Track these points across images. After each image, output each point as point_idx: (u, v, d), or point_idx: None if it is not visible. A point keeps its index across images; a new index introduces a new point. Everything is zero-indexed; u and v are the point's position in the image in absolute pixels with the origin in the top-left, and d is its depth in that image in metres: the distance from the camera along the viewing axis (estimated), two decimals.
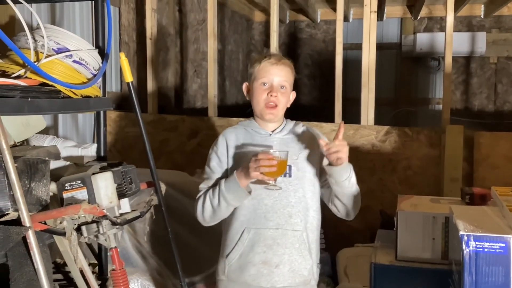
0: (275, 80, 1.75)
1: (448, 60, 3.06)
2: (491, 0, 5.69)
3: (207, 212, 1.74)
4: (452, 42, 3.03)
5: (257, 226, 1.72)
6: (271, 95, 1.73)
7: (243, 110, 6.34)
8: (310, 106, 6.50)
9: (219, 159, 1.79)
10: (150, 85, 3.61)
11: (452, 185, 2.92)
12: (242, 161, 1.71)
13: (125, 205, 1.93)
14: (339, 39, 3.23)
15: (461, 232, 1.07)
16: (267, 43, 6.58)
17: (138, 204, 2.43)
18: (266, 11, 6.01)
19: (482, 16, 6.09)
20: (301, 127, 1.86)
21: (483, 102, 6.32)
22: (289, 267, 1.72)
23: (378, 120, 3.29)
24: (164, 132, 3.54)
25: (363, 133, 3.18)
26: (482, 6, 6.03)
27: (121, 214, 1.90)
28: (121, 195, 1.86)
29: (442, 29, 6.25)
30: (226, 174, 1.76)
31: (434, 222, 1.66)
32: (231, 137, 1.80)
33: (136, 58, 3.91)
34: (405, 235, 1.69)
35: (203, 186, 1.80)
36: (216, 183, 1.74)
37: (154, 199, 2.06)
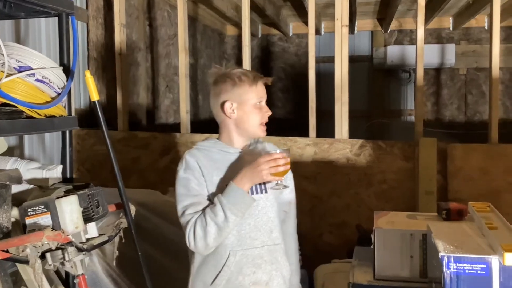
0: (264, 97, 1.75)
1: (420, 73, 3.07)
2: (459, 13, 5.80)
3: (211, 235, 1.57)
4: (423, 55, 3.05)
5: (243, 248, 1.66)
6: (266, 113, 1.74)
7: (217, 124, 6.29)
8: (284, 120, 6.49)
9: (198, 181, 1.67)
10: (120, 101, 3.52)
11: (427, 198, 2.92)
12: (223, 182, 1.65)
13: (92, 229, 1.85)
14: (311, 53, 3.21)
15: (441, 254, 1.03)
16: (239, 57, 6.56)
17: (108, 225, 2.34)
18: (238, 25, 6.00)
19: (451, 29, 6.21)
20: (261, 142, 1.83)
21: (454, 113, 6.41)
22: (277, 281, 1.69)
23: (352, 133, 3.27)
24: (136, 149, 3.45)
25: (337, 147, 3.16)
26: (450, 18, 6.15)
27: (88, 239, 1.81)
28: (87, 219, 1.77)
29: (412, 41, 6.35)
30: (208, 197, 1.66)
31: (412, 239, 1.62)
32: (201, 159, 1.70)
33: (105, 74, 3.82)
34: (383, 253, 1.65)
35: (191, 211, 1.62)
36: (204, 204, 1.63)
37: (124, 221, 1.98)
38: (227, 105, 1.69)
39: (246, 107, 1.70)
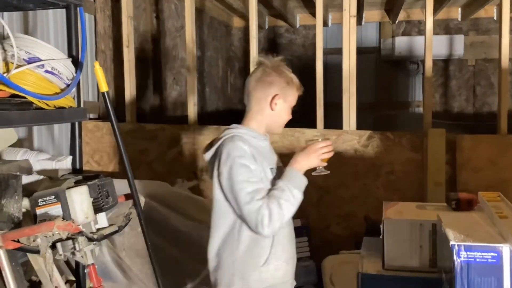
0: None
1: (429, 64, 3.05)
2: (467, 3, 5.75)
3: (285, 217, 1.69)
4: (432, 46, 3.03)
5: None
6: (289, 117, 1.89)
7: (224, 116, 6.29)
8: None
9: (255, 166, 1.70)
10: (128, 93, 3.53)
11: (436, 189, 2.91)
12: (265, 165, 1.75)
13: (102, 219, 1.86)
14: (319, 44, 3.20)
15: (451, 242, 1.03)
16: (246, 49, 6.54)
17: (117, 216, 2.35)
18: (245, 17, 5.98)
19: (460, 19, 6.15)
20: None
21: (462, 104, 6.37)
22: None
23: (359, 125, 3.26)
24: (144, 141, 3.46)
25: (345, 138, 3.15)
26: (459, 9, 6.09)
27: (98, 229, 1.83)
28: (97, 209, 1.79)
29: (420, 32, 6.30)
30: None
31: (421, 229, 1.62)
32: (249, 146, 1.73)
33: (113, 66, 3.83)
34: (392, 243, 1.65)
35: (259, 197, 1.65)
36: (266, 189, 1.70)
37: (133, 212, 1.99)
38: (277, 99, 1.78)
39: (286, 106, 1.82)
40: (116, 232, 1.88)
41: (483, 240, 1.03)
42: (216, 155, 1.73)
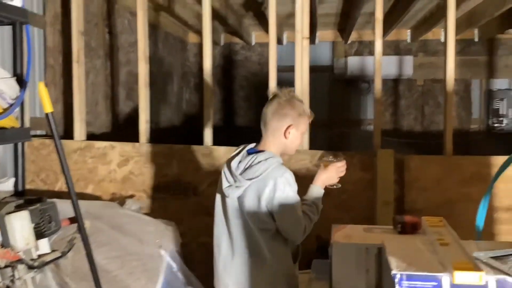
0: None
1: (378, 86, 3.13)
2: (417, 25, 5.97)
3: (312, 226, 2.13)
4: (381, 68, 3.11)
5: None
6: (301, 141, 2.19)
7: (179, 132, 6.24)
8: (245, 128, 6.50)
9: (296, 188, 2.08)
10: (77, 110, 3.44)
11: (384, 208, 2.97)
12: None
13: (44, 245, 1.79)
14: (272, 63, 3.23)
15: (393, 271, 1.05)
16: (202, 65, 6.53)
17: (62, 239, 2.27)
18: (200, 33, 5.97)
19: (409, 41, 6.38)
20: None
21: (411, 122, 6.58)
22: None
23: (313, 142, 3.30)
24: (93, 159, 3.37)
25: (298, 157, 3.18)
26: (408, 31, 6.32)
27: (39, 256, 1.75)
28: (39, 235, 1.72)
29: (372, 52, 6.48)
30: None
31: (367, 253, 1.64)
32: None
33: (63, 81, 3.73)
34: (340, 266, 1.66)
35: (300, 213, 2.06)
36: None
37: (77, 237, 1.92)
38: (290, 128, 2.05)
39: (298, 134, 2.09)
40: (59, 258, 1.81)
41: (424, 269, 1.06)
42: (265, 182, 1.96)
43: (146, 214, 3.05)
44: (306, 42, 3.15)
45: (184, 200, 3.27)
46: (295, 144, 2.11)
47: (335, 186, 2.28)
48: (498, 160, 2.95)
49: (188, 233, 3.22)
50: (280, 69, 5.03)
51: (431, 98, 6.49)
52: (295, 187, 2.05)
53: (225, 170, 2.08)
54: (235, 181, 2.00)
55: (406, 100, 6.56)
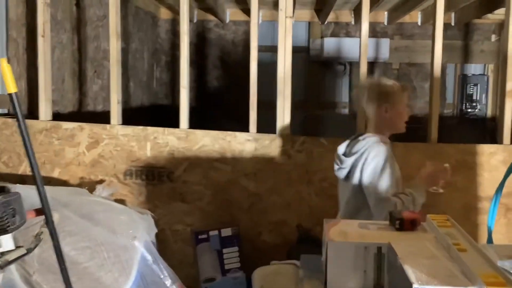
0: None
1: (363, 69, 3.01)
2: (394, 8, 5.87)
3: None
4: (367, 50, 2.99)
5: None
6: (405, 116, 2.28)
7: (149, 112, 6.01)
8: (219, 109, 6.31)
9: (394, 169, 2.13)
10: (42, 88, 3.20)
11: None
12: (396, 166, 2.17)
13: (8, 242, 1.60)
14: (253, 44, 3.06)
15: (415, 286, 0.93)
16: (174, 42, 6.28)
17: (28, 228, 2.08)
18: (173, 9, 5.72)
19: (386, 23, 6.28)
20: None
21: None
22: None
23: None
24: (60, 141, 3.15)
25: (279, 143, 3.04)
26: (386, 13, 6.22)
27: (2, 253, 1.57)
28: (2, 231, 1.53)
29: (348, 34, 6.37)
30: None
31: (366, 253, 1.52)
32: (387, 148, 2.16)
33: (26, 56, 3.46)
34: (335, 267, 1.53)
35: (392, 194, 2.07)
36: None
37: (45, 231, 1.74)
38: (389, 108, 2.17)
39: (397, 111, 2.19)
40: (24, 255, 1.63)
41: (448, 283, 0.94)
42: (361, 157, 2.11)
43: (117, 201, 2.87)
44: (290, 22, 2.99)
45: (158, 186, 3.10)
46: (400, 120, 2.23)
47: (438, 191, 2.24)
48: (484, 148, 2.89)
49: (163, 220, 3.06)
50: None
51: (406, 82, 6.44)
52: (389, 163, 2.09)
53: (335, 155, 2.32)
54: (341, 162, 2.23)
55: None
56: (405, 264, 1.04)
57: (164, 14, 6.43)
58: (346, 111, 6.41)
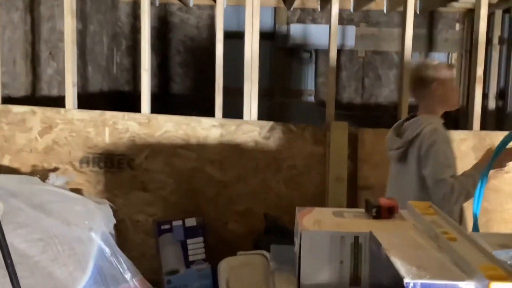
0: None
1: (333, 54, 2.92)
2: None
3: (465, 199, 2.02)
4: (337, 35, 2.90)
5: None
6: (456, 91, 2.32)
7: (109, 98, 5.76)
8: (182, 96, 6.13)
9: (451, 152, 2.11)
10: None
11: (337, 185, 2.80)
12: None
13: None
14: (219, 25, 2.91)
15: (406, 280, 0.83)
16: (135, 26, 6.04)
17: None
18: None
19: (352, 10, 6.22)
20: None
21: (352, 94, 6.49)
22: None
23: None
24: (10, 126, 2.93)
25: (245, 129, 2.92)
26: (352, 0, 6.16)
27: None
28: None
29: (314, 21, 6.28)
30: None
31: (342, 242, 1.42)
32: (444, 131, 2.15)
33: None
34: (309, 258, 1.42)
35: (451, 177, 2.02)
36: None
37: None
38: (437, 85, 2.15)
39: (446, 87, 2.18)
40: None
41: (441, 275, 0.85)
42: (417, 138, 2.09)
43: (73, 190, 2.69)
44: (257, 3, 2.85)
45: (117, 174, 2.92)
46: (452, 96, 2.23)
47: (502, 171, 2.20)
48: (454, 135, 2.85)
49: (123, 210, 2.90)
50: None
51: (371, 70, 6.42)
52: (446, 143, 2.08)
53: (388, 136, 2.30)
54: (394, 144, 2.21)
55: (347, 71, 6.45)
56: (392, 256, 0.94)
57: None
58: (312, 98, 6.34)
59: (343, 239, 1.43)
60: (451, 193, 1.99)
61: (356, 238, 1.42)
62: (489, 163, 1.23)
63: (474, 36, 2.92)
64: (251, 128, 2.93)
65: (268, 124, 2.93)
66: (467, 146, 2.84)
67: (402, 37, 2.92)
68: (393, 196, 2.23)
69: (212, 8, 5.80)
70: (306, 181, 2.92)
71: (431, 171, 2.04)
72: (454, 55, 6.36)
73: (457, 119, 6.21)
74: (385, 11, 6.17)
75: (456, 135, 2.85)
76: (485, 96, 5.48)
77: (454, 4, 5.58)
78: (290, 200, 2.88)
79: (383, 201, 1.60)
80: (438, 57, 6.44)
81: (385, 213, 1.56)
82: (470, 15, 5.89)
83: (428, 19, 6.25)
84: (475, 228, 1.25)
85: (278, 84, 6.33)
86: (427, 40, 6.33)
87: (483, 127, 2.94)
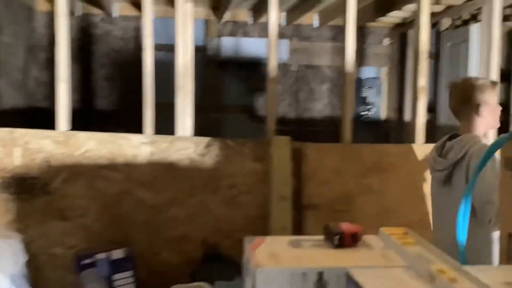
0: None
1: (273, 65, 2.73)
2: (291, 9, 5.74)
3: None
4: (277, 45, 2.72)
5: None
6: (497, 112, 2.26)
7: (25, 116, 5.25)
8: (108, 112, 5.73)
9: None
10: None
11: (281, 204, 2.58)
12: None
13: None
14: (147, 31, 2.63)
15: None
16: (53, 37, 5.59)
17: None
18: (52, 0, 5.06)
19: (284, 24, 6.14)
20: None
21: (286, 109, 6.38)
22: None
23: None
24: None
25: (179, 146, 2.64)
26: (284, 13, 6.07)
27: None
28: None
29: (246, 34, 6.13)
30: None
31: (304, 279, 1.18)
32: None
33: None
34: None
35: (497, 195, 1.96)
36: None
37: None
38: (480, 107, 2.14)
39: (489, 108, 2.17)
40: None
41: None
42: (464, 158, 2.04)
43: None
44: (190, 6, 2.61)
45: (30, 201, 2.53)
46: (493, 117, 2.21)
47: None
48: (399, 148, 2.74)
49: (37, 243, 2.51)
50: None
51: (305, 85, 6.36)
52: (494, 163, 1.91)
53: (431, 156, 2.26)
54: (438, 164, 2.16)
55: (281, 85, 6.34)
56: None
57: (42, 6, 5.70)
58: (246, 114, 6.16)
59: (305, 276, 1.20)
60: (498, 216, 1.91)
61: (320, 274, 1.20)
62: (471, 180, 1.05)
63: (415, 46, 2.84)
64: (185, 145, 2.65)
65: (204, 140, 2.67)
66: (411, 160, 2.73)
67: (345, 52, 2.79)
68: (440, 220, 2.20)
69: (138, 19, 5.49)
70: (247, 201, 2.68)
71: (479, 192, 1.94)
72: (384, 69, 6.45)
73: (388, 133, 6.28)
74: (316, 25, 6.15)
75: (402, 149, 2.74)
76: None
77: (383, 19, 5.65)
78: (231, 223, 2.63)
79: (345, 227, 1.39)
80: (368, 72, 6.52)
81: (348, 240, 1.35)
82: (399, 29, 5.99)
83: (359, 33, 6.29)
84: (463, 260, 1.06)
85: (210, 99, 6.10)
86: (358, 54, 6.37)
87: (413, 140, 2.84)
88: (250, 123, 6.01)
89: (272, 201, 2.59)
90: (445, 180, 2.14)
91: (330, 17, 5.78)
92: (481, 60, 2.88)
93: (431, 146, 2.79)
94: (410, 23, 5.56)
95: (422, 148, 2.76)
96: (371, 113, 6.46)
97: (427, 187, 2.70)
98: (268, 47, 2.78)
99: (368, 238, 1.38)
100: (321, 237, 1.45)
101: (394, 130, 6.22)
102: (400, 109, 5.97)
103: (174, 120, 2.72)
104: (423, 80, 2.76)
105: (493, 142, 1.09)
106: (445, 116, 5.16)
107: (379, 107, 6.46)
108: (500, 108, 2.22)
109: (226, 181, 2.68)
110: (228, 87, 6.20)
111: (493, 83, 2.22)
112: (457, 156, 2.08)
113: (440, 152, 2.20)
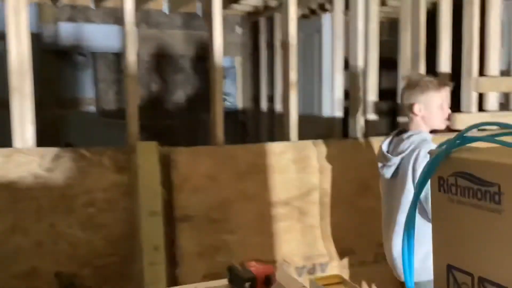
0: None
1: (131, 59, 2.36)
2: None
3: None
4: (134, 35, 2.37)
5: None
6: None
7: None
8: None
9: None
10: None
11: (151, 220, 2.24)
12: None
13: None
14: None
15: None
16: None
17: None
18: None
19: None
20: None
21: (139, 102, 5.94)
22: None
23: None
24: None
25: (19, 160, 2.14)
26: None
27: None
28: None
29: (87, 20, 5.52)
30: None
31: None
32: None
33: None
34: None
35: None
36: None
37: None
38: (417, 106, 2.15)
39: (431, 108, 2.15)
40: None
41: None
42: (411, 154, 2.04)
43: None
44: None
45: None
46: (435, 117, 2.15)
47: None
48: (273, 147, 2.58)
49: None
50: None
51: (158, 75, 5.98)
52: None
53: (379, 152, 2.20)
54: (386, 160, 2.12)
55: None
56: None
57: None
58: (93, 108, 5.57)
59: None
60: None
61: None
62: (415, 192, 0.87)
63: (283, 38, 2.70)
64: (27, 159, 2.15)
65: (51, 151, 2.20)
66: (287, 159, 2.59)
67: (211, 43, 2.54)
68: (388, 214, 2.17)
69: None
70: (110, 221, 2.29)
71: (427, 188, 1.81)
72: (238, 59, 6.35)
73: (245, 122, 6.23)
74: (165, 11, 5.78)
75: (276, 148, 2.58)
76: (270, 99, 5.56)
77: (235, 6, 5.51)
78: (90, 248, 2.22)
79: (256, 270, 1.16)
80: (224, 61, 6.36)
81: (261, 285, 1.13)
82: (251, 18, 5.91)
83: (209, 22, 6.07)
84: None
85: (48, 93, 5.37)
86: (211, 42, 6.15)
87: (288, 138, 2.72)
88: (100, 118, 5.46)
89: (140, 217, 2.24)
90: (393, 175, 2.15)
91: (181, 3, 5.46)
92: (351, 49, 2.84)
93: (306, 144, 2.69)
94: (262, 12, 5.50)
95: (296, 146, 2.64)
96: (228, 103, 6.34)
97: (305, 186, 2.60)
98: (124, 37, 2.39)
99: (282, 276, 1.16)
100: (223, 281, 1.20)
101: (251, 119, 6.18)
102: (256, 99, 5.92)
103: (11, 128, 2.20)
104: (293, 75, 2.63)
105: (430, 160, 0.92)
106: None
107: (235, 97, 6.37)
108: (447, 109, 2.18)
109: (81, 199, 2.25)
110: (70, 79, 5.54)
111: (440, 84, 2.17)
112: (405, 152, 2.08)
113: (388, 147, 2.20)
